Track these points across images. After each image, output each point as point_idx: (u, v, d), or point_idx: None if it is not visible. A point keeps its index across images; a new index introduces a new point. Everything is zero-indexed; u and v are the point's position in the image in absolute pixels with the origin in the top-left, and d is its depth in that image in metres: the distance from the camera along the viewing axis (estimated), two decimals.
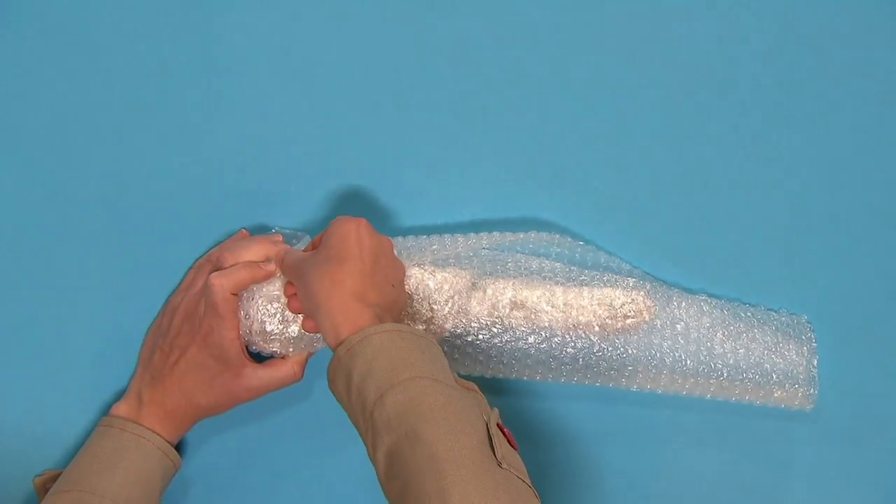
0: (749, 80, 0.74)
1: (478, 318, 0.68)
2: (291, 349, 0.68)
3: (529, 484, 0.55)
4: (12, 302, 0.71)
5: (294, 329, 0.67)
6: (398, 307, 0.66)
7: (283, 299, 0.67)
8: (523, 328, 0.68)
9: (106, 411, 0.68)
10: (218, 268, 0.67)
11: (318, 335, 0.67)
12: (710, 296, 0.72)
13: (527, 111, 0.74)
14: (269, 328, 0.67)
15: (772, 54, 0.74)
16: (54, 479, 0.65)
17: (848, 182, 0.74)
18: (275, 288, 0.67)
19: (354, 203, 0.73)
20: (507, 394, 0.71)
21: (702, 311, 0.70)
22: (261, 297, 0.67)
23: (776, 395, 0.69)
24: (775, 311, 0.72)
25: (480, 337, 0.68)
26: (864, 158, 0.74)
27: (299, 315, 0.67)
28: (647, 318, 0.68)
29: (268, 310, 0.67)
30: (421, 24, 0.73)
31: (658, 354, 0.68)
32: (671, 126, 0.74)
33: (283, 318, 0.67)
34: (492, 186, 0.73)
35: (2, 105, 0.72)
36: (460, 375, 0.65)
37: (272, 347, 0.68)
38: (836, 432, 0.71)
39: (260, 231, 0.72)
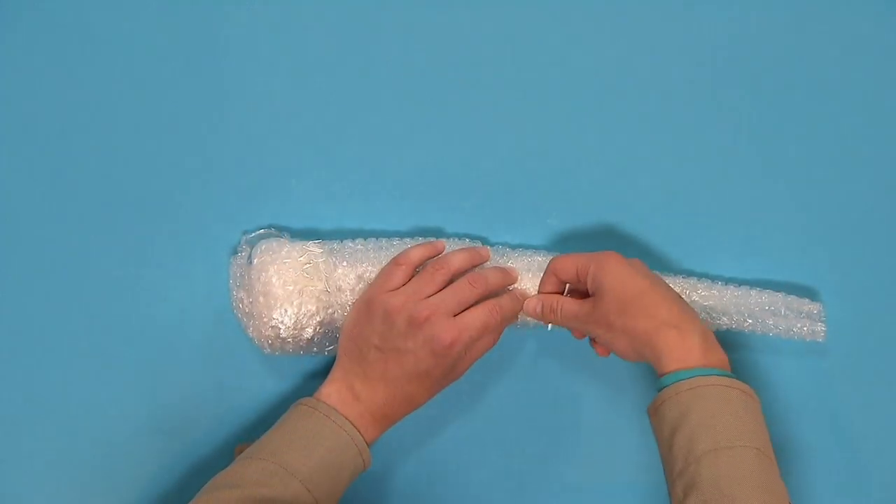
0: (751, 61, 0.73)
1: None
2: (302, 352, 0.68)
3: None
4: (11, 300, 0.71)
5: (308, 332, 0.67)
6: None
7: (296, 303, 0.67)
8: None
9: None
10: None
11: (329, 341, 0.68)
12: (715, 279, 0.71)
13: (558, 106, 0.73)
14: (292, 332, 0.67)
15: (777, 28, 0.72)
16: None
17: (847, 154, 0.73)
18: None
19: (354, 198, 0.72)
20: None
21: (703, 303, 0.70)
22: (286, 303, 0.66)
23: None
24: (784, 295, 0.71)
25: None
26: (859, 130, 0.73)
27: (313, 317, 0.67)
28: None
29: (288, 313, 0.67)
30: (421, 20, 0.72)
31: None
32: (666, 107, 0.73)
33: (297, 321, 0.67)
34: (498, 184, 0.73)
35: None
36: None
37: (287, 349, 0.68)
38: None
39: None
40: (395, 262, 0.67)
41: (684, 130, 0.73)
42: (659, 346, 0.64)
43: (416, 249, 0.67)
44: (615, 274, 0.65)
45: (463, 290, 0.66)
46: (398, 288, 0.66)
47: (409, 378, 0.65)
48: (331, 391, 0.65)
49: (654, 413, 0.64)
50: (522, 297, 0.69)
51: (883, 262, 0.72)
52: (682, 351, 0.63)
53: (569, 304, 0.67)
